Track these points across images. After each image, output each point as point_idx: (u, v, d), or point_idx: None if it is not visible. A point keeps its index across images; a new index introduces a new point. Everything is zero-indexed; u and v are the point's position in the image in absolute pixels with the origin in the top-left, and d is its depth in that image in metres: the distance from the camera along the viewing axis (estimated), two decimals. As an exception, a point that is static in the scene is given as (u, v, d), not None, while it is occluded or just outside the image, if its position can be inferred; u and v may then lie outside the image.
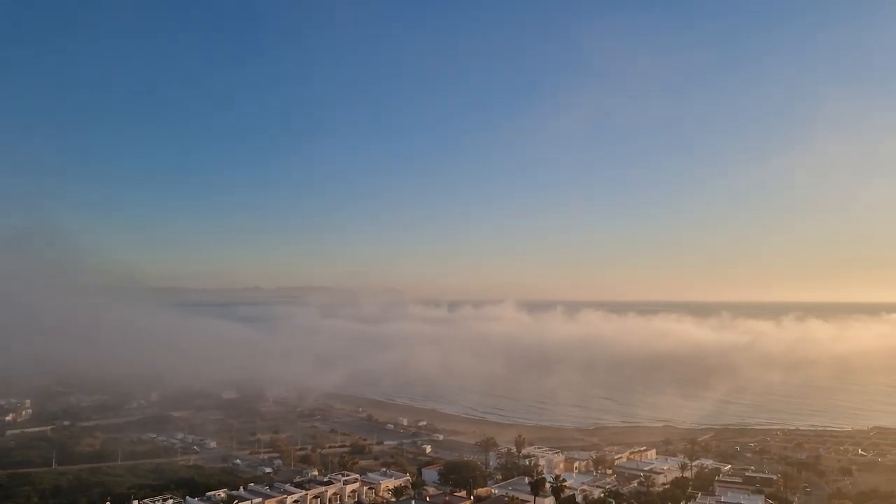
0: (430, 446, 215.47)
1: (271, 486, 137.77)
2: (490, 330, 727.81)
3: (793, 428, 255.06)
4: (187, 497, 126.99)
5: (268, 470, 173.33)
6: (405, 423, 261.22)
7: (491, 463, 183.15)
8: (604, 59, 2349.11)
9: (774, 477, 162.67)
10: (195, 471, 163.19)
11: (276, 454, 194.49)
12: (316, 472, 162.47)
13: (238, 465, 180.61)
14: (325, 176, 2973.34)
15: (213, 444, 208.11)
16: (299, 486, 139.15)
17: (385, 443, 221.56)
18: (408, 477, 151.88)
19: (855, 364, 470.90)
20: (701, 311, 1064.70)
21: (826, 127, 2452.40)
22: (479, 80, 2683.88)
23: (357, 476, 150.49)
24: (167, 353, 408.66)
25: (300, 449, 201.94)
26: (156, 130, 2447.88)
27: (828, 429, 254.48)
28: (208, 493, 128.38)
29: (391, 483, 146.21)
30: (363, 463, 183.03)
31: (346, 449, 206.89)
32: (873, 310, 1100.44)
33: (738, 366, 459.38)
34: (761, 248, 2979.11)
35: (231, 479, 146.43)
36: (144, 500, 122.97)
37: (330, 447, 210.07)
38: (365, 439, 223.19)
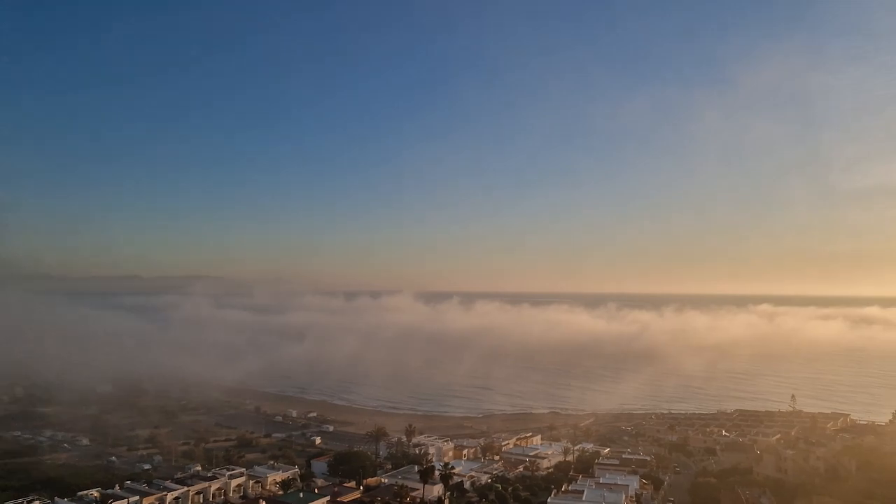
0: (319, 438, 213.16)
1: (150, 484, 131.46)
2: (386, 320, 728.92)
3: (665, 412, 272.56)
4: (56, 498, 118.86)
5: (146, 467, 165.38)
6: (294, 414, 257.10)
7: (381, 453, 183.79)
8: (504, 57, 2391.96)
9: (649, 458, 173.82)
10: (65, 470, 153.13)
11: (155, 450, 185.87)
12: (199, 468, 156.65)
13: (114, 462, 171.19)
14: (207, 163, 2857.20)
15: (85, 442, 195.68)
16: (181, 482, 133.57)
17: (273, 435, 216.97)
18: (296, 469, 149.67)
19: (726, 352, 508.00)
20: (590, 302, 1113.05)
21: (699, 134, 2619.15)
22: (354, 83, 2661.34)
23: (243, 470, 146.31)
24: (36, 345, 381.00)
25: (182, 444, 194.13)
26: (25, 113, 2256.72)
27: (696, 412, 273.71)
28: (80, 493, 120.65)
29: (279, 476, 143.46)
30: (250, 456, 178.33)
31: (231, 443, 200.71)
32: (741, 301, 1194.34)
33: (624, 355, 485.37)
34: (644, 244, 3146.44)
35: (105, 478, 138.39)
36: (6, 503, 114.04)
37: (215, 441, 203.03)
38: (252, 432, 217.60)
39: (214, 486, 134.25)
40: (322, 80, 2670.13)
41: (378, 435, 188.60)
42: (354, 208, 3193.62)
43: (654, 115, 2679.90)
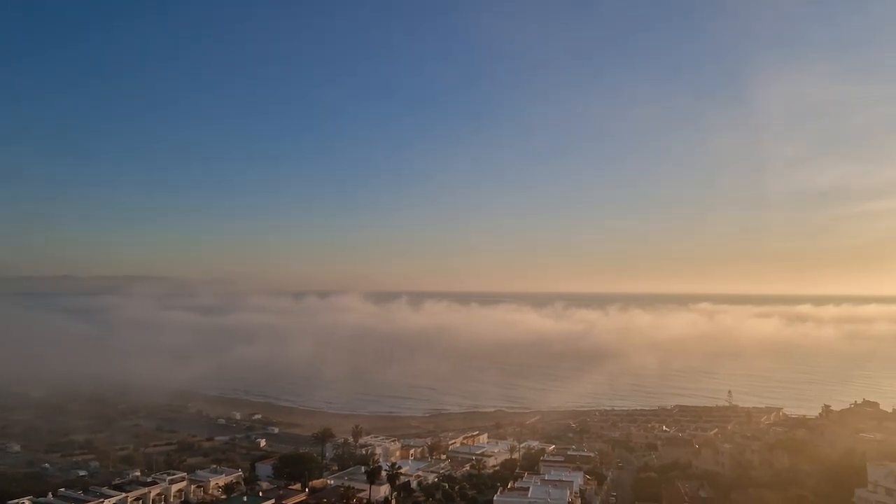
0: (264, 440, 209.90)
1: (86, 491, 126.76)
2: (335, 320, 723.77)
3: (609, 409, 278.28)
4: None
5: (82, 473, 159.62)
6: (239, 417, 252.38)
7: (328, 454, 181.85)
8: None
9: (593, 455, 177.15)
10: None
11: (92, 456, 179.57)
12: (138, 473, 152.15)
13: (47, 469, 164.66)
14: (144, 160, 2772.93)
15: (16, 448, 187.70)
16: (118, 488, 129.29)
17: (216, 439, 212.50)
18: (240, 473, 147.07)
19: (668, 349, 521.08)
20: (538, 301, 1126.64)
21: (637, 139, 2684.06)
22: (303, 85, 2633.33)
23: (184, 475, 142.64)
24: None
25: (121, 449, 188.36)
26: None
27: (638, 409, 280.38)
28: (10, 502, 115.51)
29: (221, 480, 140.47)
30: (192, 460, 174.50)
31: (172, 447, 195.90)
32: (683, 300, 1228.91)
33: (570, 353, 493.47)
34: (589, 245, 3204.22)
35: (38, 486, 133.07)
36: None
37: (155, 445, 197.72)
38: (194, 436, 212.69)
39: (154, 491, 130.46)
40: (276, 76, 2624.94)
41: (324, 436, 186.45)
42: (299, 208, 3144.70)
43: (601, 120, 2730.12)
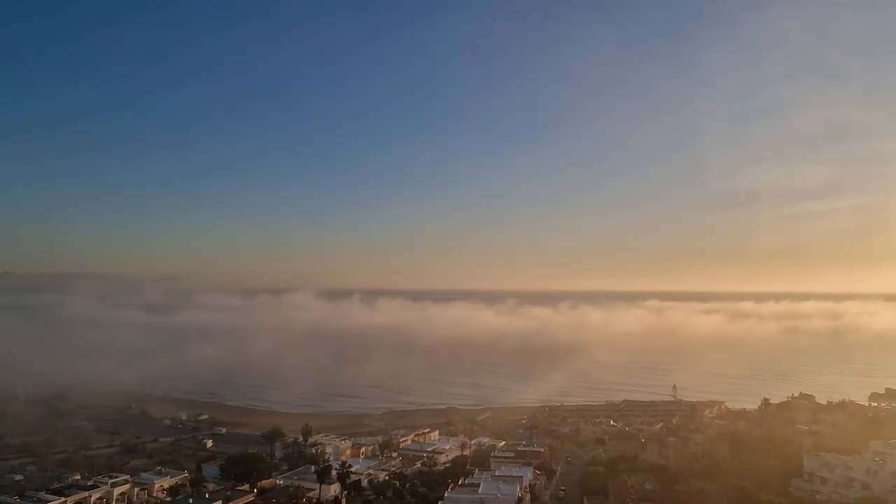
0: (211, 441, 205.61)
1: (21, 496, 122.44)
2: (287, 318, 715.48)
3: (559, 404, 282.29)
4: None
5: (18, 477, 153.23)
6: (185, 417, 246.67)
7: (277, 454, 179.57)
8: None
9: (542, 450, 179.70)
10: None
11: (29, 460, 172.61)
12: (78, 477, 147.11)
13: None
14: (84, 154, 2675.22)
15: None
16: (57, 492, 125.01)
17: (161, 440, 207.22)
18: (185, 474, 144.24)
19: (617, 345, 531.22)
20: (490, 298, 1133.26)
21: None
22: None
23: (127, 477, 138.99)
24: None
25: (60, 452, 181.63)
26: None
27: (587, 404, 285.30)
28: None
29: (166, 482, 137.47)
30: (135, 463, 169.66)
31: (114, 449, 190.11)
32: (631, 297, 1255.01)
33: (522, 350, 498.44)
34: (539, 242, 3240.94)
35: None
36: None
37: (97, 448, 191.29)
38: (138, 437, 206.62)
39: (95, 495, 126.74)
40: (214, 73, 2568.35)
41: (273, 435, 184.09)
42: (249, 205, 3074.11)
43: (549, 118, 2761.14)
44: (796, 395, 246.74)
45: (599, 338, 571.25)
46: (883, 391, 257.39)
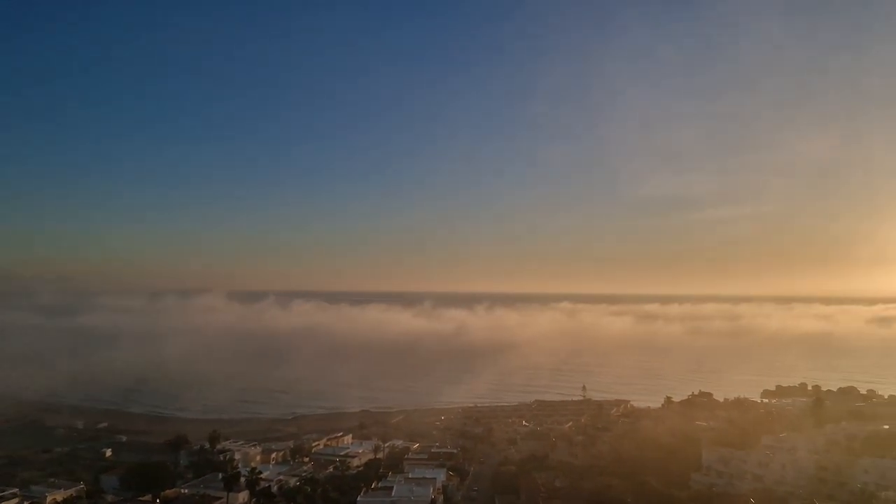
0: (110, 450, 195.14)
1: None
2: (195, 321, 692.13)
3: (472, 405, 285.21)
4: None
5: None
6: (81, 426, 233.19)
7: (182, 462, 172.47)
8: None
9: (455, 451, 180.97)
10: None
11: None
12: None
13: None
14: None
15: None
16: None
17: (55, 450, 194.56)
18: (82, 486, 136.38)
19: (531, 347, 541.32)
20: (407, 300, 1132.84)
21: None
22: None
23: (16, 491, 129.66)
24: None
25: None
26: None
27: (500, 405, 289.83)
28: None
29: (60, 495, 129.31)
30: (25, 475, 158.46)
31: (1, 461, 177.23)
32: (545, 299, 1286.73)
33: (438, 352, 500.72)
34: (454, 244, 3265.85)
35: None
36: None
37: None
38: (28, 448, 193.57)
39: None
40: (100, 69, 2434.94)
41: (178, 443, 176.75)
42: (152, 202, 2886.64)
43: (460, 124, 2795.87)
44: (696, 393, 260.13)
45: (514, 339, 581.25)
46: (774, 388, 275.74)
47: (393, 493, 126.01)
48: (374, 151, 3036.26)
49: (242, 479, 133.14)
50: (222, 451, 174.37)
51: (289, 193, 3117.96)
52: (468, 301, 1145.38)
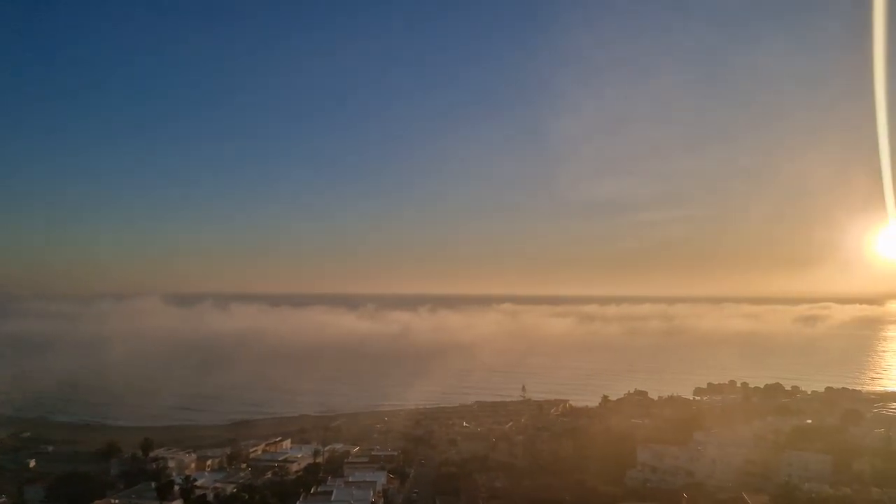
0: (34, 461, 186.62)
1: None
2: (129, 326, 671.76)
3: (413, 408, 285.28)
4: None
5: None
6: (2, 436, 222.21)
7: (113, 471, 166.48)
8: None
9: (396, 453, 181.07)
10: None
11: None
12: None
13: None
14: None
15: None
16: None
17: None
18: (4, 499, 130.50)
19: (476, 347, 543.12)
20: (350, 303, 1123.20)
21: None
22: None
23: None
24: None
25: None
26: None
27: (440, 406, 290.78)
28: None
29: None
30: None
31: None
32: (487, 300, 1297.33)
33: (380, 355, 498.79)
34: (398, 245, 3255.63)
35: None
36: None
37: None
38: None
39: None
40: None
41: (109, 452, 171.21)
42: (83, 202, 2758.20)
43: (402, 125, 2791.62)
44: (632, 391, 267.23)
45: (457, 341, 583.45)
46: (706, 386, 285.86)
47: (333, 497, 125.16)
48: (310, 151, 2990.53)
49: (176, 488, 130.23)
50: (155, 460, 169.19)
51: (220, 195, 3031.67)
52: (411, 303, 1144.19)
